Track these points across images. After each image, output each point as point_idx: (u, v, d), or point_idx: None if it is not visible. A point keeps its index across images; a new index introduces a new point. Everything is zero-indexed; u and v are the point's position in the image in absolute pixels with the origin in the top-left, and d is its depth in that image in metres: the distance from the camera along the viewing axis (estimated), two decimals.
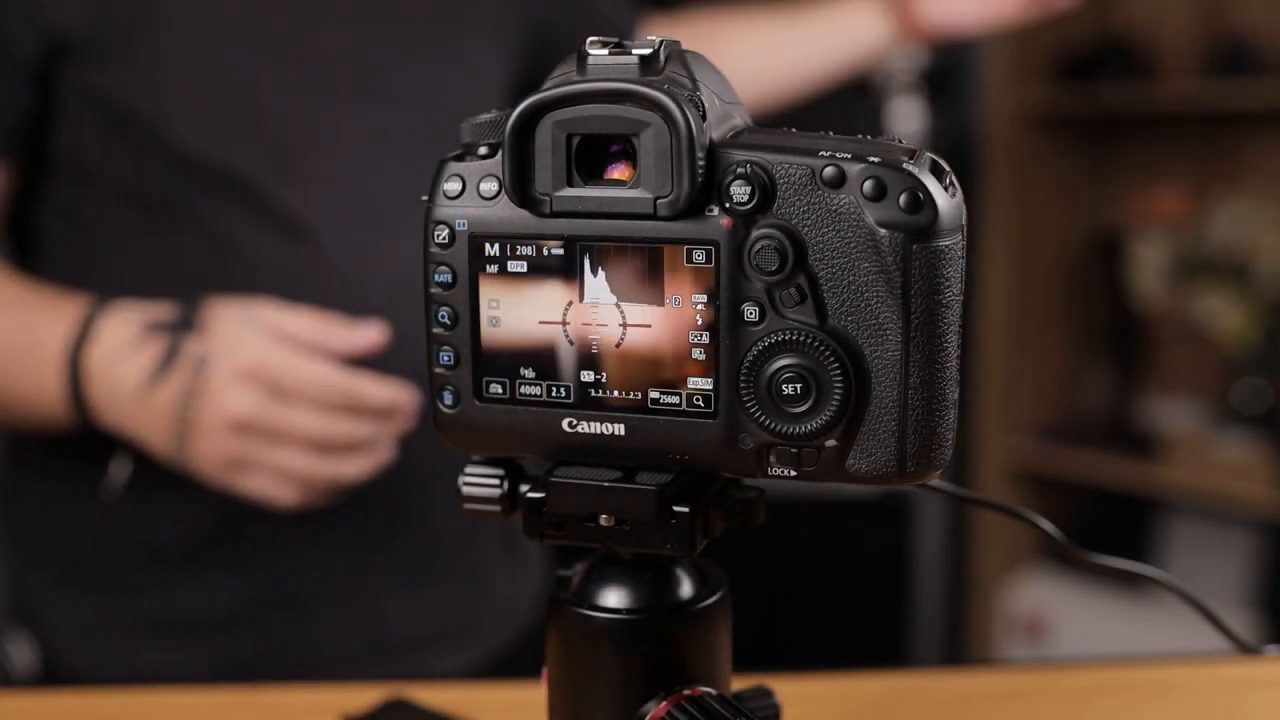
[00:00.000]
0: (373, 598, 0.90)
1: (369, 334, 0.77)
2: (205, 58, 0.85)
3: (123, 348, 0.78)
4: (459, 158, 0.42)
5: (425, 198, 0.42)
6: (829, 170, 0.39)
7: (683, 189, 0.39)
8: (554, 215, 0.41)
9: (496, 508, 0.45)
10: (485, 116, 0.42)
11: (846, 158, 0.39)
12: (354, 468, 0.78)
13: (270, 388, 0.75)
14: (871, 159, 0.38)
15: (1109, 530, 2.42)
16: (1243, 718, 0.67)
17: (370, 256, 0.87)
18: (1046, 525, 0.52)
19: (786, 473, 0.41)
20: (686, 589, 0.45)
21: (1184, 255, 2.33)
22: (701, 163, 0.39)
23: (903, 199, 0.38)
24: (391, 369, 0.80)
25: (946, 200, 0.38)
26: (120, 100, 0.83)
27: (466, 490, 0.45)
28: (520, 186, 0.40)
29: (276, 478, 0.76)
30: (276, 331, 0.77)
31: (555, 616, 0.45)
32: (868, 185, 0.38)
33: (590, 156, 0.41)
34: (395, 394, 0.77)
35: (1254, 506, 2.17)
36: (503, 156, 0.40)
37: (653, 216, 0.40)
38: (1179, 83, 2.31)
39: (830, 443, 0.40)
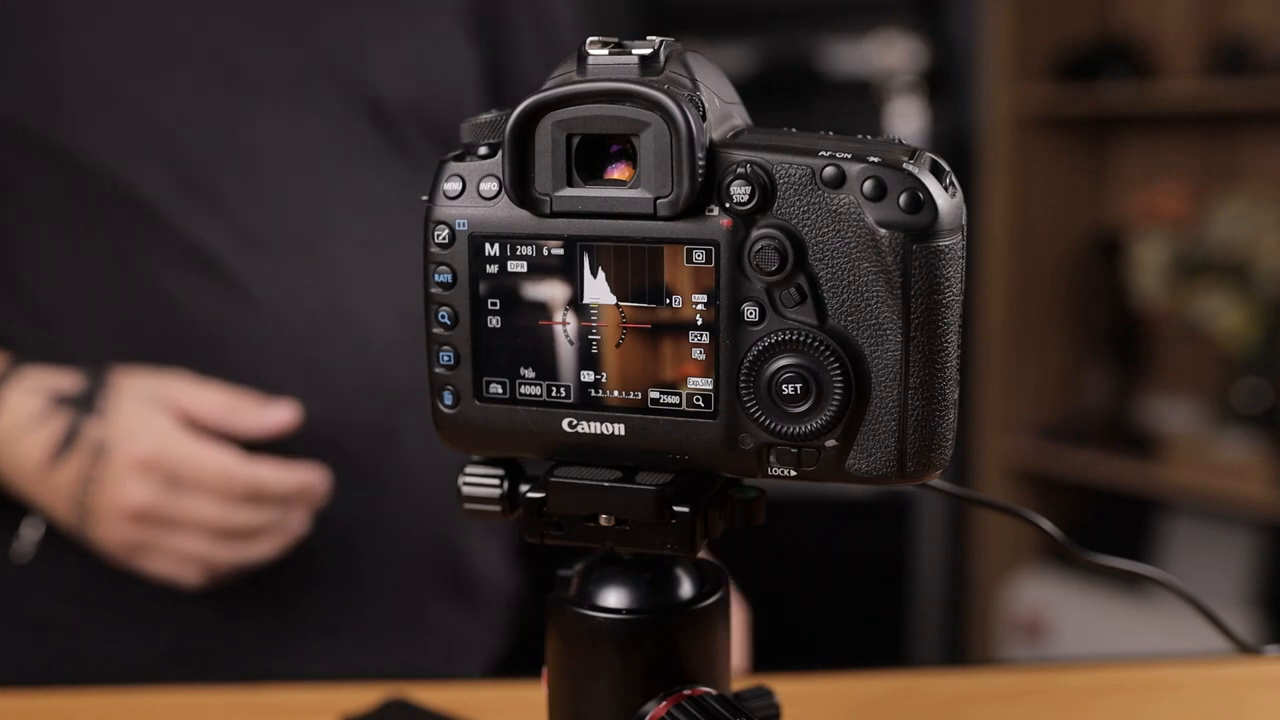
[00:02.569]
0: (294, 649, 0.85)
1: (278, 415, 0.76)
2: (103, 66, 0.79)
3: (27, 421, 0.76)
4: (459, 158, 0.42)
5: (425, 198, 0.42)
6: (829, 170, 0.38)
7: (682, 189, 0.39)
8: (554, 215, 0.40)
9: (496, 508, 0.45)
10: (485, 116, 0.42)
11: (846, 158, 0.38)
12: (260, 550, 0.77)
13: (168, 478, 0.74)
14: (871, 159, 0.38)
15: (1109, 530, 2.42)
16: (1243, 718, 0.67)
17: (290, 287, 0.81)
18: (1046, 525, 0.52)
19: (786, 473, 0.40)
20: (686, 589, 0.45)
21: (1184, 255, 2.33)
22: (701, 163, 0.39)
23: (903, 199, 0.38)
24: (324, 405, 0.79)
25: (946, 200, 0.38)
26: (13, 115, 0.79)
27: (466, 490, 0.45)
28: (520, 186, 0.40)
29: (179, 561, 0.76)
30: (181, 413, 0.75)
31: (555, 616, 0.45)
32: (868, 185, 0.38)
33: (590, 156, 0.40)
34: (301, 478, 0.75)
35: (1254, 506, 2.17)
36: (503, 156, 0.40)
37: (653, 216, 0.40)
38: (1179, 83, 2.30)
39: (830, 443, 0.40)
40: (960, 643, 2.48)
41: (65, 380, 0.77)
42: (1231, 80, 2.18)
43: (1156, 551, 2.38)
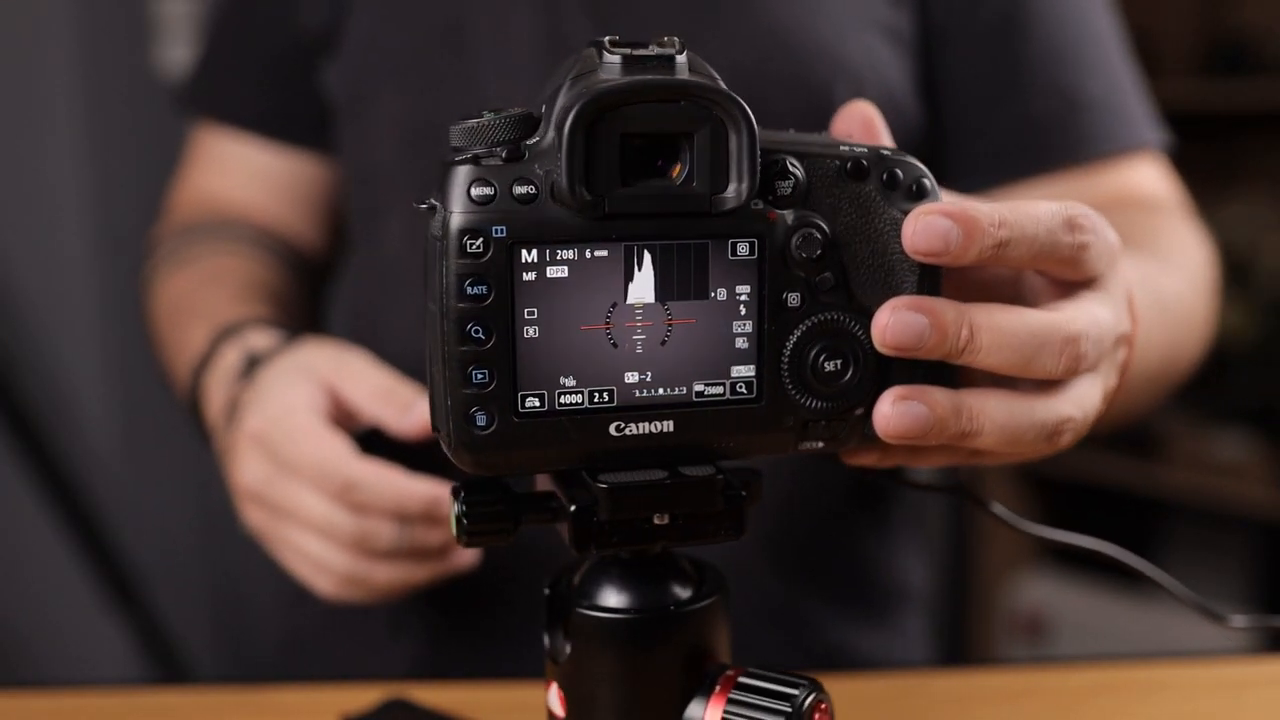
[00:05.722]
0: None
1: (422, 414, 0.64)
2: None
3: (219, 380, 0.71)
4: (474, 161, 0.40)
5: (434, 203, 0.40)
6: (853, 164, 0.42)
7: (742, 184, 0.40)
8: (607, 217, 0.40)
9: (504, 527, 0.43)
10: (478, 120, 0.40)
11: (864, 151, 0.42)
12: (385, 573, 0.64)
13: (273, 457, 0.64)
14: (884, 153, 0.43)
15: (1109, 530, 2.42)
16: (1242, 718, 0.67)
17: None
18: (1000, 510, 0.53)
19: (816, 445, 0.44)
20: (690, 577, 0.45)
21: None
22: (760, 159, 0.40)
23: (914, 186, 0.43)
24: None
25: (938, 187, 0.44)
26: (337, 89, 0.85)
27: (469, 521, 0.43)
28: (575, 189, 0.39)
29: (302, 560, 0.65)
30: (330, 390, 0.65)
31: (591, 630, 0.44)
32: (886, 176, 0.42)
33: (641, 155, 0.40)
34: (420, 493, 0.62)
35: (1253, 506, 2.17)
36: (562, 157, 0.39)
37: (706, 214, 0.40)
38: (1179, 82, 2.30)
39: (858, 411, 0.43)
40: (960, 643, 2.48)
41: (262, 339, 0.72)
42: (1231, 80, 2.18)
43: (1156, 551, 2.38)
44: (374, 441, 0.65)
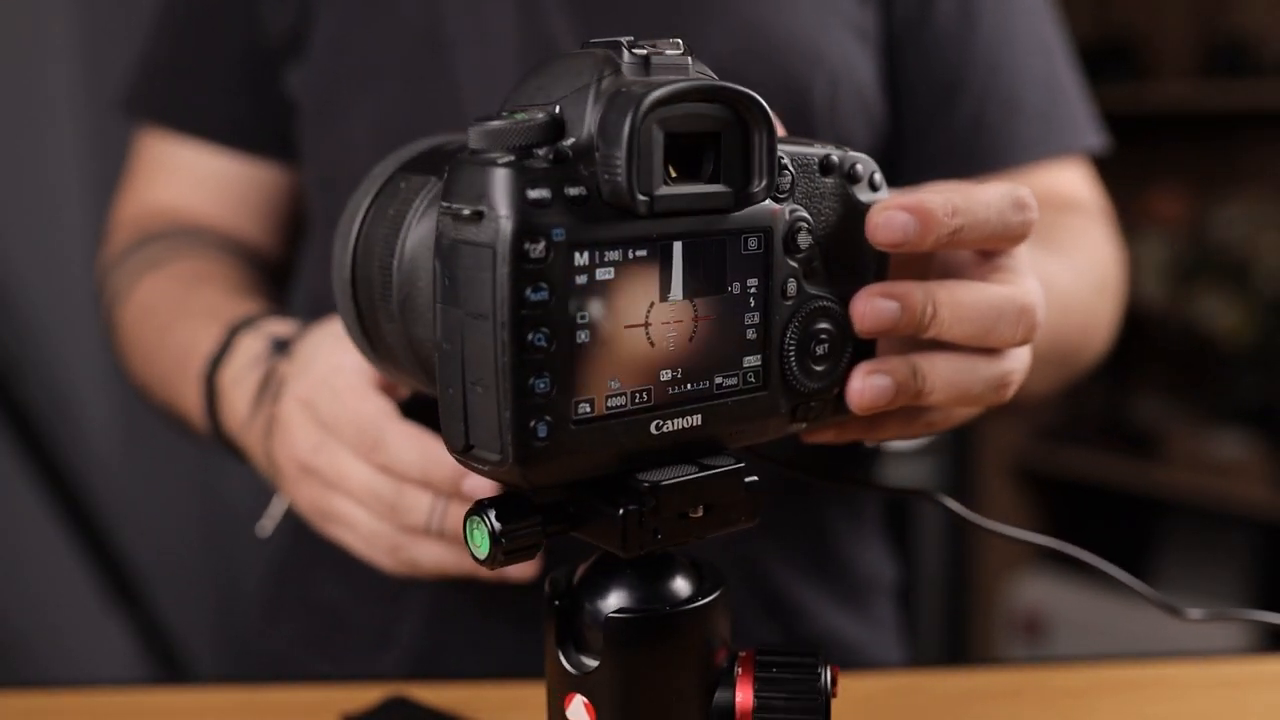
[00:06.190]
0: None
1: None
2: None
3: (246, 367, 0.68)
4: (516, 163, 0.38)
5: (478, 209, 0.38)
6: (826, 159, 0.45)
7: (763, 181, 0.42)
8: (651, 216, 0.40)
9: (536, 542, 0.42)
10: (501, 122, 0.39)
11: (832, 149, 0.45)
12: (428, 554, 0.60)
13: (320, 420, 0.61)
14: (847, 150, 0.46)
15: (1107, 529, 2.42)
16: (1243, 718, 0.67)
17: None
18: (953, 504, 0.53)
19: (801, 425, 0.46)
20: (690, 568, 0.45)
21: (1183, 255, 2.33)
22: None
23: (871, 179, 0.46)
24: None
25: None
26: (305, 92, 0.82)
27: (509, 538, 0.41)
28: (633, 190, 0.39)
29: (351, 533, 0.62)
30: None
31: (627, 632, 0.43)
32: (850, 171, 0.46)
33: (678, 155, 0.41)
34: (450, 465, 0.57)
35: (1252, 506, 2.17)
36: (622, 158, 0.38)
37: (731, 210, 0.42)
38: (1177, 83, 2.31)
39: (836, 390, 0.46)
40: (960, 643, 2.48)
41: (283, 327, 0.69)
42: (1231, 80, 2.18)
43: (1155, 551, 2.38)
44: (418, 408, 0.61)
